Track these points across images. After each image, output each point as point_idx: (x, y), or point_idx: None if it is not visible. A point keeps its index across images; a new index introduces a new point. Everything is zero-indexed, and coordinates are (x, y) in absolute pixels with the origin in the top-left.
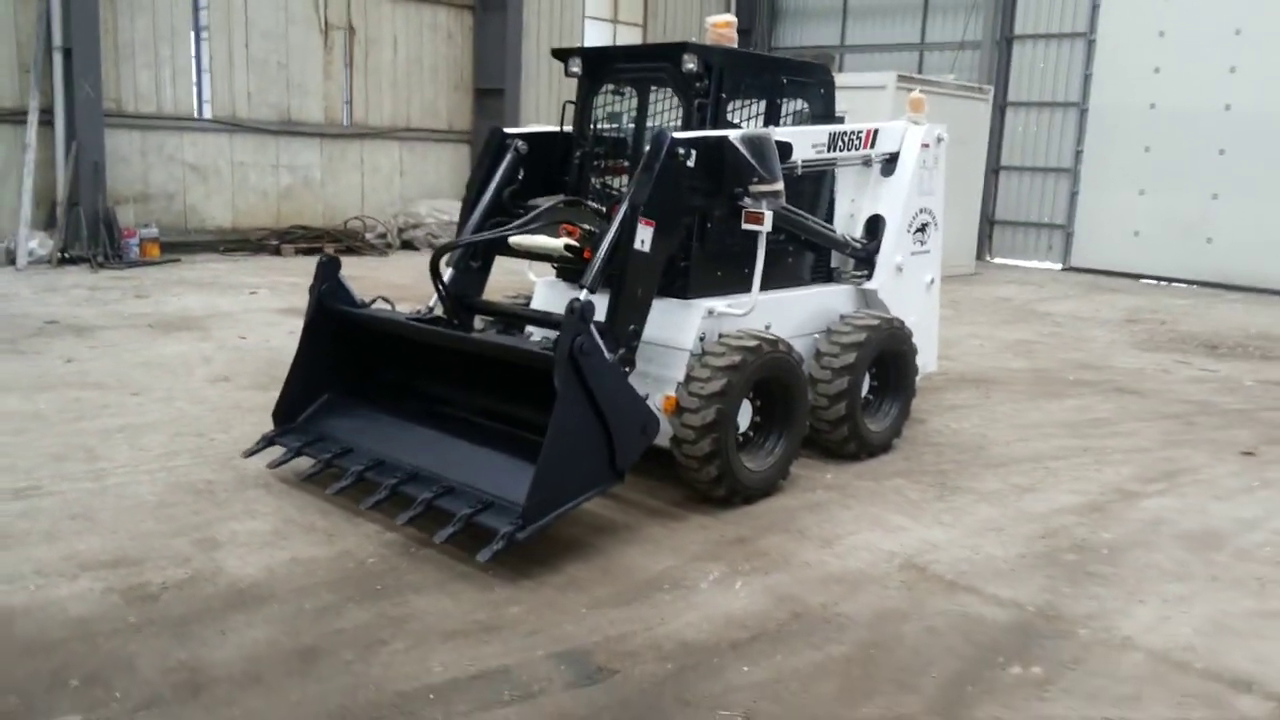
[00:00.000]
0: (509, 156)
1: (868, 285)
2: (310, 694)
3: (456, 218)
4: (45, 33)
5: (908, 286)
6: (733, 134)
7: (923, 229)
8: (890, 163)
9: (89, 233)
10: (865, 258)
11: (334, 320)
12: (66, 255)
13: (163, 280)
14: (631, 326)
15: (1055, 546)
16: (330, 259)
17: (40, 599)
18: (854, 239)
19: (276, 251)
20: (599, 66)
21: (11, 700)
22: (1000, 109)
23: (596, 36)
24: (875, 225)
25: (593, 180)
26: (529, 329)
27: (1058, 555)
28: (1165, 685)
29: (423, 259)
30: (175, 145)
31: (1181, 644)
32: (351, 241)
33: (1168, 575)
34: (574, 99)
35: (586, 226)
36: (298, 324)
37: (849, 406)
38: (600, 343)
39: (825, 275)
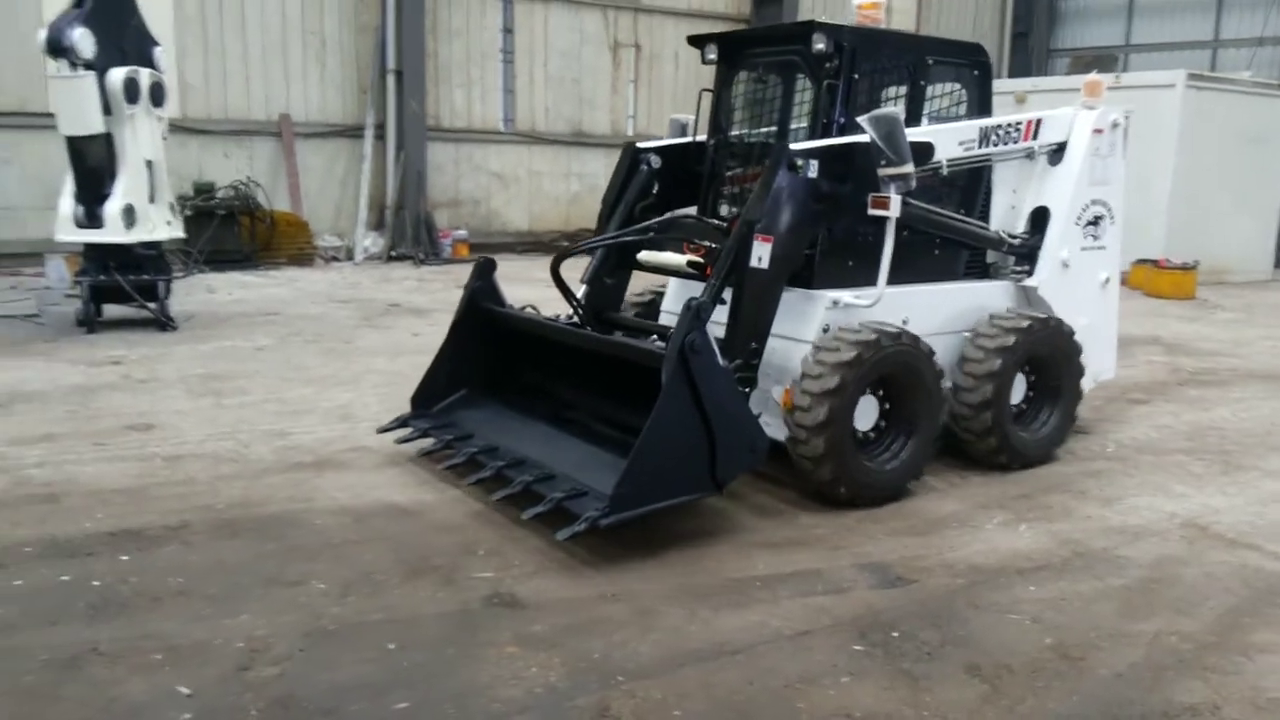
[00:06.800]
0: (641, 172)
1: (1028, 282)
2: (663, 575)
3: None
4: (380, 58)
5: (1077, 284)
6: (861, 117)
7: (1095, 222)
8: (1058, 152)
9: (412, 233)
10: (1026, 253)
11: (481, 318)
12: (394, 253)
13: None
14: (752, 344)
15: None
16: (487, 260)
17: (444, 499)
18: (1010, 234)
19: None
20: (734, 52)
21: (440, 560)
22: None
23: None
24: (1039, 218)
25: (725, 188)
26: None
27: None
28: None
29: None
30: (482, 156)
31: None
32: None
33: None
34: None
35: (710, 243)
36: None
37: (995, 416)
38: (714, 345)
39: (981, 270)
